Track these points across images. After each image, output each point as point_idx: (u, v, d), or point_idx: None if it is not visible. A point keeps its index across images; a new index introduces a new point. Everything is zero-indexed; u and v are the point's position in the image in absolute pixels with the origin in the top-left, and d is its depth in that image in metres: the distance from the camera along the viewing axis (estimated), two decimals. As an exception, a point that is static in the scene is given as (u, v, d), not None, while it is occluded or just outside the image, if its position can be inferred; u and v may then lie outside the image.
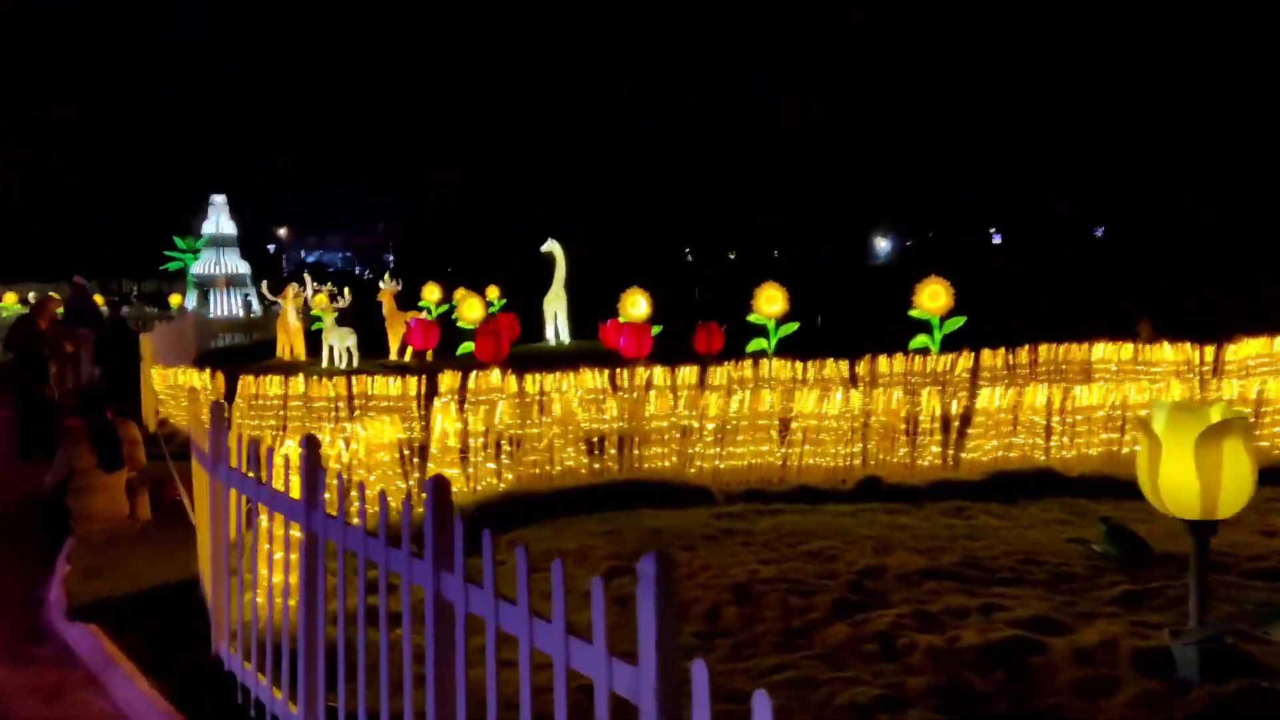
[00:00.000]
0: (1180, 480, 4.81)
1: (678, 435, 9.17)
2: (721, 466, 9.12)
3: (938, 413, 9.45)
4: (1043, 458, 9.67)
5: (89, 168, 55.50)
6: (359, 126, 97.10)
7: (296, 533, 4.69)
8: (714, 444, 9.14)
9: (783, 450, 9.24)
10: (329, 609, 4.57)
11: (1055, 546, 7.66)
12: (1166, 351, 13.98)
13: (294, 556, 4.76)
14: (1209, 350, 14.06)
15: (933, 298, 19.45)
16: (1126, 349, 13.94)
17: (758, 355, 15.54)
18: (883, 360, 12.97)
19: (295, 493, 4.61)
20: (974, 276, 21.29)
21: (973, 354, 13.31)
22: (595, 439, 9.14)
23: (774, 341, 20.15)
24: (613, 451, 9.05)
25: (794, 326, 20.46)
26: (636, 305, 21.14)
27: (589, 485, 8.70)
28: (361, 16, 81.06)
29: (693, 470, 9.11)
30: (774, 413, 9.21)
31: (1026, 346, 13.66)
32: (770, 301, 20.59)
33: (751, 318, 20.46)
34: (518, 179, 63.82)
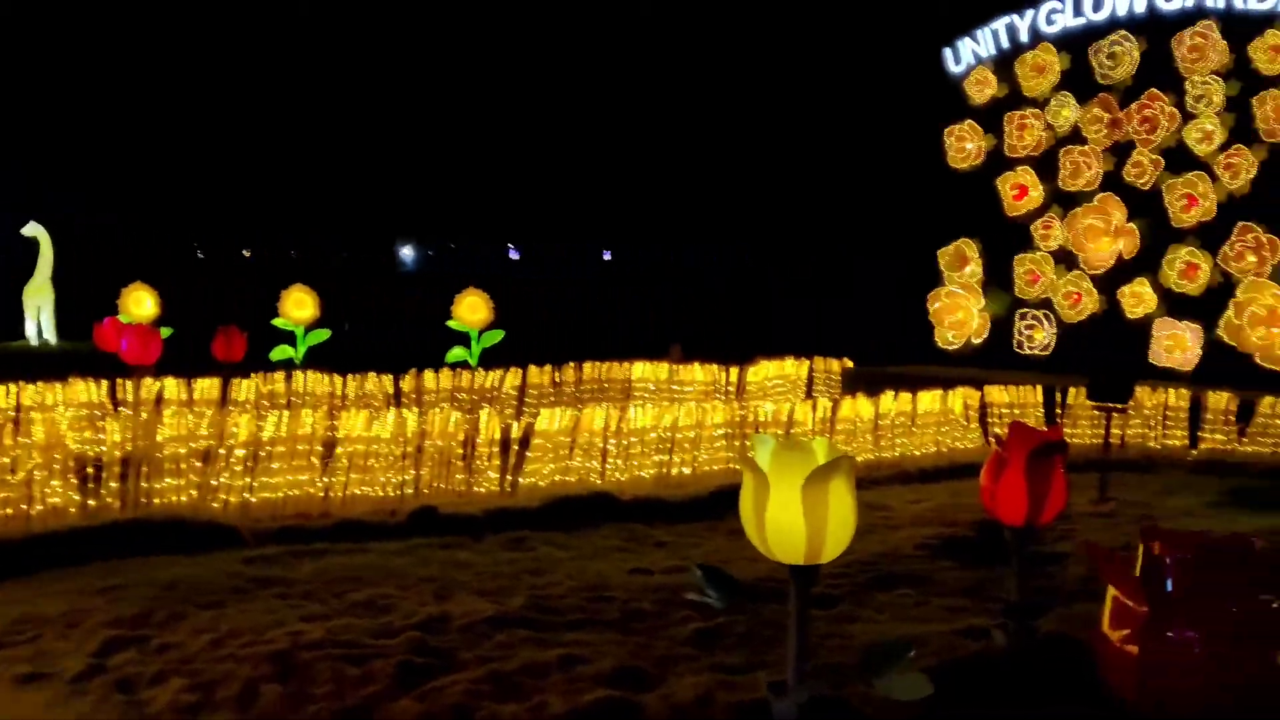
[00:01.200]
0: (787, 523, 4.47)
1: (198, 463, 7.75)
2: (253, 500, 7.82)
3: (497, 435, 8.82)
4: (599, 481, 9.38)
5: None
6: None
7: None
8: (243, 473, 7.82)
9: (325, 480, 8.13)
10: None
11: (621, 580, 7.28)
12: (697, 372, 14.50)
13: None
14: (734, 371, 14.80)
15: (472, 310, 18.96)
16: (663, 369, 14.28)
17: (288, 366, 14.10)
18: (429, 375, 12.18)
19: None
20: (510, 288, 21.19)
21: (520, 370, 12.91)
22: (91, 468, 7.47)
23: (302, 350, 18.57)
24: (114, 485, 7.43)
25: (325, 334, 19.03)
26: (141, 303, 18.58)
27: (83, 528, 7.03)
28: None
29: (216, 505, 7.72)
30: (316, 435, 8.07)
31: (572, 365, 13.51)
32: (299, 305, 18.99)
33: (279, 322, 18.74)
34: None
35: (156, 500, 7.50)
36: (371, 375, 11.77)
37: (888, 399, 11.61)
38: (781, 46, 25.18)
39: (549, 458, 9.13)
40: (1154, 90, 16.68)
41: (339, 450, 8.14)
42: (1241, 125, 15.97)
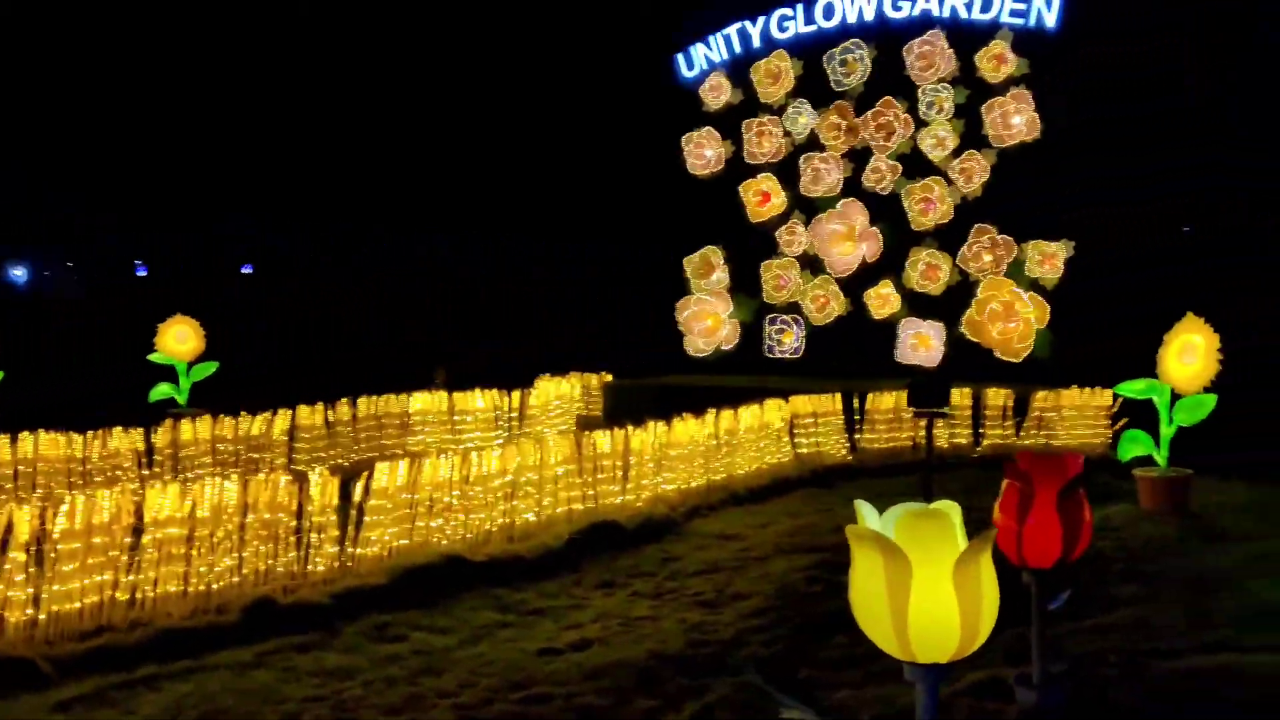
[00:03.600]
0: (939, 613, 3.58)
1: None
2: (39, 616, 5.90)
3: (335, 500, 7.30)
4: (444, 541, 8.05)
5: None
6: None
7: None
8: (25, 581, 5.89)
9: (130, 577, 6.33)
10: None
11: (536, 667, 6.20)
12: (477, 400, 13.26)
13: None
14: (516, 396, 13.69)
15: (179, 339, 16.65)
16: (442, 399, 12.91)
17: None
18: (185, 427, 10.20)
19: None
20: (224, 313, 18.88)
21: (289, 411, 11.15)
22: None
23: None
24: None
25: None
26: None
27: None
28: None
29: (-13, 629, 5.77)
30: (122, 522, 6.26)
31: (345, 400, 11.87)
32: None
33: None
34: None
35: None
36: (118, 431, 9.65)
37: (724, 418, 10.97)
38: (528, 55, 24.15)
39: (388, 519, 7.71)
40: (889, 98, 17.18)
41: (145, 538, 6.36)
42: (972, 131, 16.74)
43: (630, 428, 9.97)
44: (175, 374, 16.58)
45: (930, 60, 16.88)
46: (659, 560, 8.84)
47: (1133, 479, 11.94)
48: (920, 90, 17.04)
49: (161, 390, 16.46)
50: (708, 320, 18.63)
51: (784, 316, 18.14)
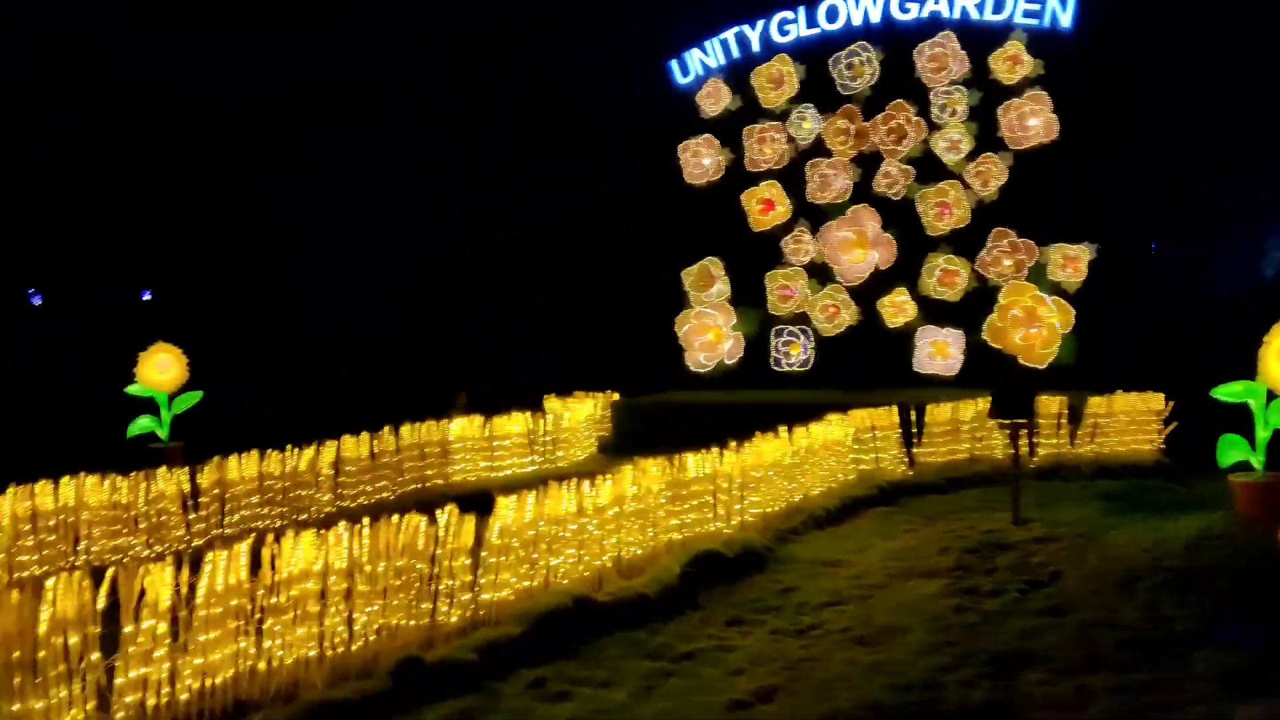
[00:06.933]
0: None
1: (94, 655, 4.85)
2: (160, 700, 5.02)
3: (469, 541, 6.52)
4: (565, 582, 7.30)
5: None
6: None
7: None
8: (158, 657, 5.01)
9: (270, 644, 5.47)
10: None
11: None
12: (513, 424, 12.47)
13: None
14: (550, 420, 12.95)
15: (161, 369, 15.55)
16: (478, 425, 12.09)
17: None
18: (233, 463, 9.25)
19: None
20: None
21: (335, 444, 10.24)
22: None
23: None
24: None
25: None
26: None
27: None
28: None
29: (121, 716, 4.88)
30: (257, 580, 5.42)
31: (388, 429, 10.98)
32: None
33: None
34: None
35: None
36: (162, 472, 8.67)
37: (798, 435, 10.36)
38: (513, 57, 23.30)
39: (512, 559, 6.94)
40: (899, 100, 16.83)
41: (280, 598, 5.51)
42: (987, 134, 16.46)
43: (718, 450, 9.31)
44: (156, 406, 15.49)
45: (942, 62, 16.57)
46: (776, 592, 8.20)
47: (1189, 484, 11.67)
48: (932, 93, 16.71)
49: (141, 425, 15.33)
50: (709, 334, 18.05)
51: (791, 328, 17.66)
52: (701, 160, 18.28)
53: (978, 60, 16.43)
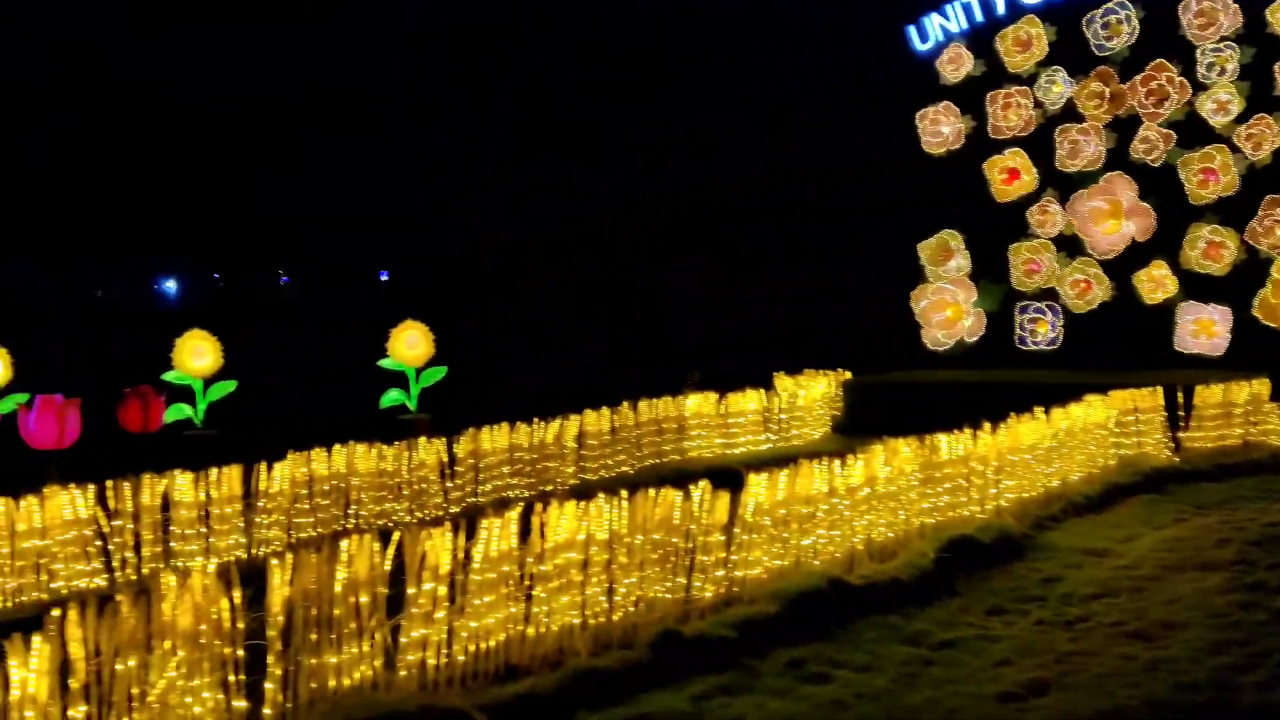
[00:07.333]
0: None
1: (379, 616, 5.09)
2: (440, 660, 5.21)
3: (723, 517, 6.49)
4: (817, 563, 7.17)
5: None
6: None
7: None
8: (439, 618, 5.21)
9: (537, 609, 5.61)
10: None
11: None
12: (748, 401, 12.42)
13: None
14: (784, 396, 12.82)
15: (410, 345, 16.29)
16: (712, 401, 12.09)
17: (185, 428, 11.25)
18: (486, 435, 9.59)
19: None
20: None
21: (578, 418, 10.47)
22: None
23: (202, 409, 15.47)
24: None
25: (230, 385, 15.82)
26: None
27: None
28: None
29: (404, 674, 5.09)
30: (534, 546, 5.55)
31: (625, 403, 11.15)
32: (197, 355, 15.80)
33: (172, 376, 15.44)
34: None
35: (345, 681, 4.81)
36: (422, 442, 9.08)
37: (1056, 417, 9.84)
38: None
39: (764, 537, 6.87)
40: (1160, 60, 15.70)
41: (547, 566, 5.63)
42: (1260, 93, 15.15)
43: (970, 430, 8.94)
44: (404, 379, 16.25)
45: (1211, 17, 15.34)
46: (1037, 581, 7.80)
47: None
48: (1199, 51, 15.49)
49: (391, 397, 16.11)
50: (947, 310, 17.42)
51: (1037, 304, 16.81)
52: (940, 128, 17.63)
53: (1252, 13, 15.10)
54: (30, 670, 3.69)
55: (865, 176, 19.67)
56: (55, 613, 3.88)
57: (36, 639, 3.75)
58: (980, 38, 17.29)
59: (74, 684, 3.89)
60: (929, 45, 17.77)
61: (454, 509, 9.26)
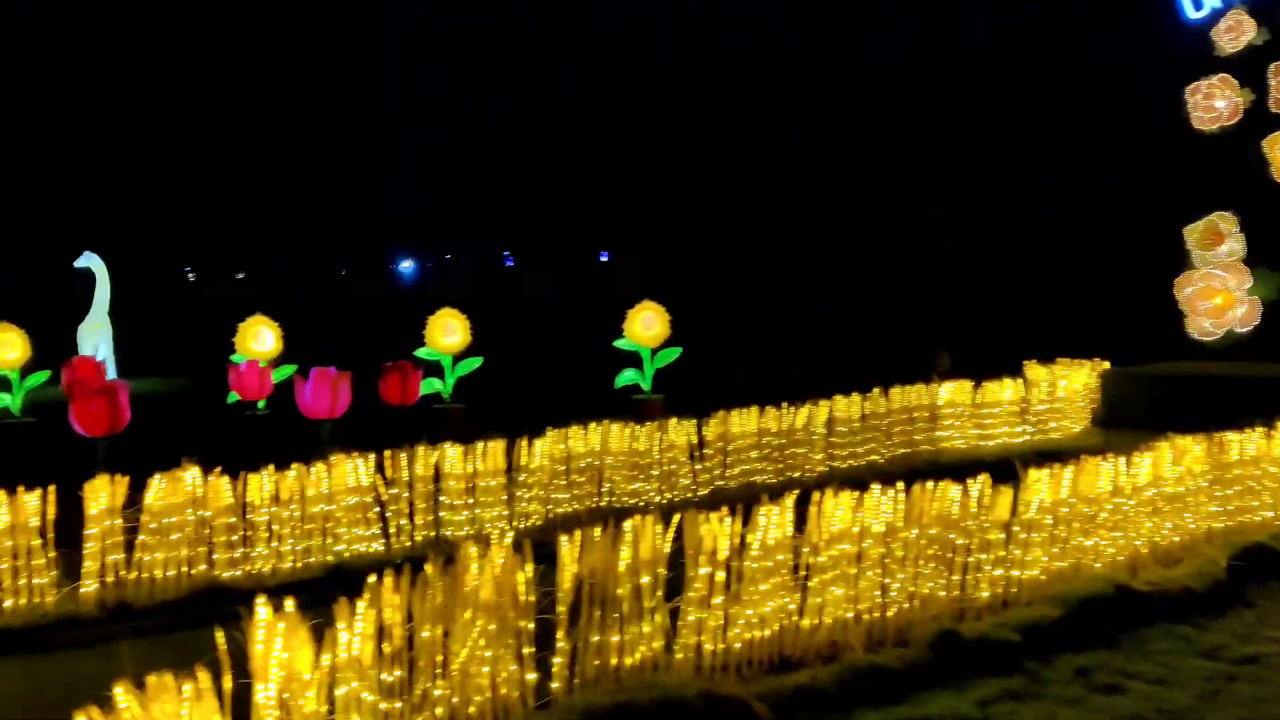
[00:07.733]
0: None
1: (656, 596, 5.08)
2: (717, 646, 5.14)
3: (1005, 513, 6.16)
4: (1097, 565, 6.73)
5: None
6: None
7: None
8: (719, 602, 5.15)
9: (814, 600, 5.47)
10: None
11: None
12: (1004, 392, 11.86)
13: None
14: (1043, 387, 12.18)
15: (646, 325, 16.35)
16: (966, 392, 11.60)
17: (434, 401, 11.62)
18: (735, 418, 9.51)
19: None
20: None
21: (827, 403, 10.24)
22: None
23: (450, 384, 16.02)
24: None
25: (476, 362, 16.37)
26: (261, 338, 15.98)
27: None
28: None
29: (680, 657, 5.06)
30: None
31: (876, 391, 10.83)
32: (448, 332, 16.41)
33: (423, 352, 16.08)
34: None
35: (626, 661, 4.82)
36: (673, 423, 9.10)
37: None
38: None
39: (1043, 537, 6.48)
40: None
41: (823, 557, 5.47)
42: None
43: (1263, 429, 8.20)
44: (639, 360, 16.35)
45: None
46: (1347, 595, 7.11)
47: None
48: None
49: (627, 376, 16.23)
50: (1216, 298, 16.14)
51: (1322, 293, 15.36)
52: (1214, 103, 16.31)
53: None
54: (355, 634, 3.84)
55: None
56: (371, 579, 4.03)
57: (361, 604, 3.90)
58: (1259, 4, 15.88)
59: (387, 648, 4.04)
60: (1203, 13, 16.46)
61: (702, 491, 9.22)
